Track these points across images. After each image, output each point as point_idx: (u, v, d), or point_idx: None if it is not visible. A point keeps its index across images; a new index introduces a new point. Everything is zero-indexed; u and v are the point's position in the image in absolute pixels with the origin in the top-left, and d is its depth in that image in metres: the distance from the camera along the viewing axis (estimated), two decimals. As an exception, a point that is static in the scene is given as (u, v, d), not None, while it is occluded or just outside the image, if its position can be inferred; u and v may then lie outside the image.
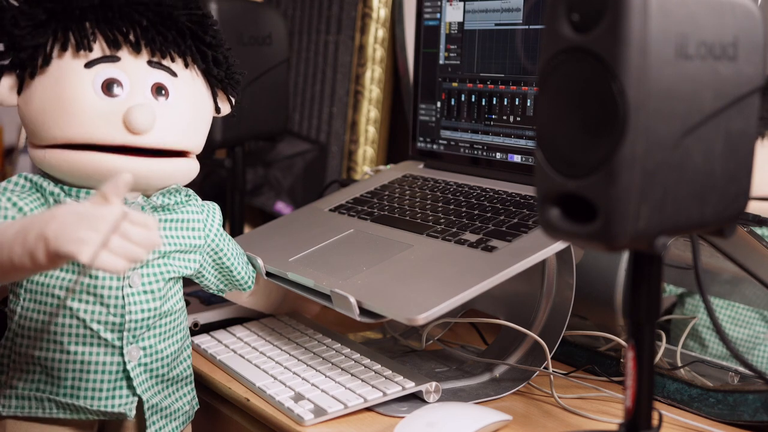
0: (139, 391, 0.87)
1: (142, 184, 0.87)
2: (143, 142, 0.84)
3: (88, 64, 0.84)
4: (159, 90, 0.86)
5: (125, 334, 0.86)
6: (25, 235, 0.70)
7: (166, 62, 0.87)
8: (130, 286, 0.86)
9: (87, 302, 0.85)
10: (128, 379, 0.87)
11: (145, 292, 0.87)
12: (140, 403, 0.88)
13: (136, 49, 0.85)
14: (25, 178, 0.87)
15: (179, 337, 0.92)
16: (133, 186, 0.86)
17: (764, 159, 0.90)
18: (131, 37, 0.85)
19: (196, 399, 0.97)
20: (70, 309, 0.85)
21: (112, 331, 0.86)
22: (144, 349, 0.88)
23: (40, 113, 0.85)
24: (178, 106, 0.88)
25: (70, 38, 0.84)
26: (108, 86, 0.84)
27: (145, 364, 0.88)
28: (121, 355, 0.86)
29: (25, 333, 0.86)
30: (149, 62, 0.87)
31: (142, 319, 0.87)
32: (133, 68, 0.86)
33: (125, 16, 0.85)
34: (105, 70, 0.84)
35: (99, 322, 0.85)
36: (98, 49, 0.85)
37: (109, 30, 0.85)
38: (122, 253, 0.68)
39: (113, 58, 0.85)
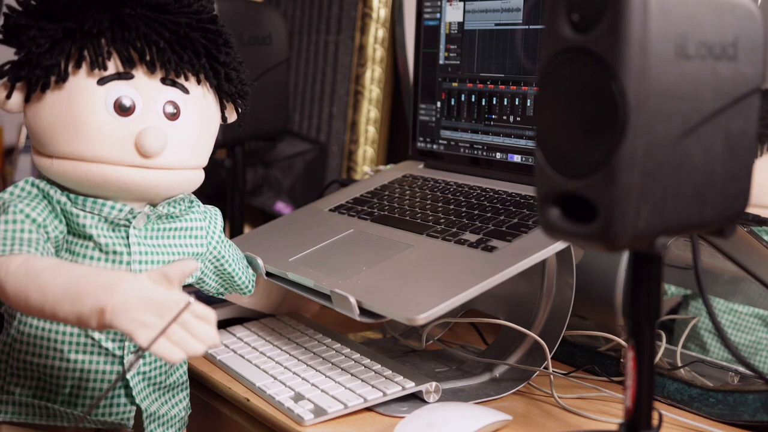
0: (137, 400, 0.87)
1: (151, 194, 0.87)
2: (153, 164, 0.84)
3: (101, 81, 0.83)
4: (171, 108, 0.86)
5: (126, 343, 0.86)
6: (78, 296, 0.70)
7: (180, 80, 0.87)
8: None
9: None
10: (127, 387, 0.87)
11: None
12: (138, 411, 0.88)
13: (151, 69, 0.84)
14: (32, 184, 0.85)
15: None
16: (141, 197, 0.86)
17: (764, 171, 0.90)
18: (147, 56, 0.84)
19: (189, 404, 0.96)
20: None
21: (114, 340, 0.86)
22: (144, 357, 0.87)
23: (49, 127, 0.84)
24: (188, 126, 0.87)
25: (85, 56, 0.83)
26: (120, 104, 0.83)
27: (144, 373, 0.88)
28: (121, 364, 0.86)
29: (25, 339, 0.85)
30: (163, 80, 0.86)
31: None
32: (147, 86, 0.85)
33: (142, 35, 0.83)
34: (117, 88, 0.83)
35: (101, 331, 0.85)
36: (112, 66, 0.84)
37: (124, 48, 0.83)
38: (182, 344, 0.69)
39: (127, 75, 0.84)
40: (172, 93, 0.86)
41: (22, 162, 1.88)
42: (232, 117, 0.96)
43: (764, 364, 1.03)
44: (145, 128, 0.83)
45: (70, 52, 0.82)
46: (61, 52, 0.82)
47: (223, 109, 0.93)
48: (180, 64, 0.85)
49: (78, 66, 0.83)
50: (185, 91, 0.87)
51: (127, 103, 0.83)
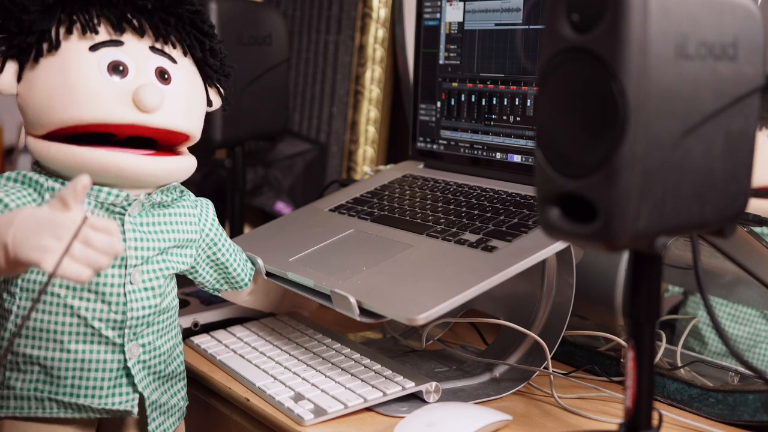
0: (140, 387, 0.88)
1: (148, 181, 0.87)
2: (152, 122, 0.86)
3: (93, 48, 0.85)
4: (162, 74, 0.88)
5: (126, 331, 0.86)
6: None
7: (168, 49, 0.89)
8: (131, 283, 0.86)
9: (88, 300, 0.85)
10: (129, 376, 0.87)
11: (146, 289, 0.87)
12: (141, 400, 0.88)
13: (140, 33, 0.87)
14: (19, 174, 0.87)
15: (174, 333, 0.93)
16: (137, 184, 0.87)
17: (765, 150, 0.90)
18: (135, 21, 0.87)
19: (186, 395, 0.97)
20: (71, 307, 0.85)
21: (114, 328, 0.86)
22: (143, 345, 0.88)
23: (45, 97, 0.85)
24: (181, 91, 0.89)
25: (76, 22, 0.85)
26: (114, 68, 0.85)
27: (144, 361, 0.88)
28: (122, 352, 0.86)
29: (24, 332, 0.85)
30: (151, 48, 0.88)
31: (143, 316, 0.87)
32: (137, 52, 0.87)
33: (129, 1, 0.87)
34: (109, 53, 0.86)
35: (100, 320, 0.85)
36: (103, 33, 0.86)
37: (114, 14, 0.86)
38: (85, 261, 0.68)
39: (117, 42, 0.86)
40: (161, 60, 0.89)
41: (22, 162, 1.89)
42: (216, 101, 0.97)
43: (763, 358, 1.03)
44: (142, 84, 0.85)
45: (61, 18, 0.85)
46: (51, 18, 0.84)
47: (206, 88, 0.95)
48: (167, 28, 0.88)
49: (69, 32, 0.85)
50: (173, 60, 0.90)
51: (120, 66, 0.85)
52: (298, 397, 0.90)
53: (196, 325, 1.12)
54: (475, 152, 1.14)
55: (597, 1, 0.59)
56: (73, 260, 0.68)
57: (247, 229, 1.44)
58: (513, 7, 1.08)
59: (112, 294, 0.85)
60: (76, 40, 0.85)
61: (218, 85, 0.96)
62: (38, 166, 0.89)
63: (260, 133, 1.39)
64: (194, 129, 0.91)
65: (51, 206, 0.70)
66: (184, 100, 0.89)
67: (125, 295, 0.86)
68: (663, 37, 0.59)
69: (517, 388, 0.96)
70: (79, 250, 0.68)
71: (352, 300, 0.89)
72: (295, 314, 1.15)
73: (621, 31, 0.58)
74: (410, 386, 0.91)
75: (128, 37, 0.87)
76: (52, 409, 0.86)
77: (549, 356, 0.95)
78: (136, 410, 0.88)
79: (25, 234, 0.68)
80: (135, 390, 0.88)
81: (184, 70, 0.90)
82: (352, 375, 0.94)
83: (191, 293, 1.19)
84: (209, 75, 0.94)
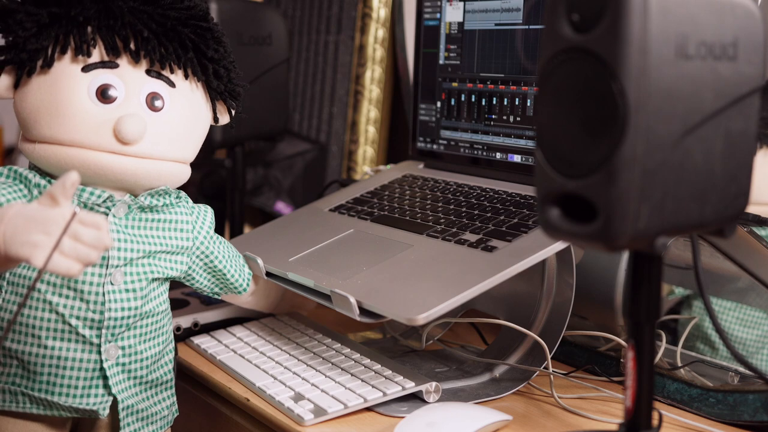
0: (114, 390, 0.87)
1: (129, 183, 0.87)
2: (131, 152, 0.85)
3: (86, 68, 0.85)
4: (154, 99, 0.87)
5: (104, 331, 0.86)
6: None
7: (165, 72, 0.88)
8: (112, 284, 0.86)
9: (67, 297, 0.85)
10: (105, 378, 0.87)
11: (126, 290, 0.87)
12: (116, 404, 0.88)
13: (135, 59, 0.86)
14: (9, 170, 0.87)
15: (161, 340, 0.92)
16: (119, 184, 0.87)
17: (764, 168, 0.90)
18: (131, 45, 0.85)
19: (176, 406, 0.96)
20: (50, 303, 0.85)
21: (91, 327, 0.86)
22: (123, 348, 0.87)
23: (33, 111, 0.85)
24: (172, 118, 0.88)
25: (71, 42, 0.84)
26: (103, 92, 0.84)
27: (123, 364, 0.88)
28: (99, 353, 0.86)
29: (5, 326, 0.86)
30: (148, 71, 0.87)
31: (122, 318, 0.86)
32: (131, 76, 0.86)
33: (128, 24, 0.85)
34: (101, 76, 0.85)
35: (78, 318, 0.85)
36: (97, 55, 0.85)
37: (110, 36, 0.85)
38: (74, 255, 0.69)
39: (111, 64, 0.85)
40: (157, 85, 0.87)
41: (21, 162, 1.89)
42: (224, 118, 0.96)
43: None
44: (124, 115, 0.84)
45: (57, 37, 0.84)
46: (47, 37, 0.84)
47: (213, 108, 0.93)
48: (165, 55, 0.87)
49: (63, 52, 0.84)
50: (171, 84, 0.88)
51: (109, 90, 0.85)
52: (298, 397, 0.90)
53: (196, 325, 1.12)
54: (475, 152, 1.14)
55: (597, 1, 0.59)
56: (62, 255, 0.68)
57: (247, 229, 1.44)
58: (513, 7, 1.08)
59: (91, 293, 0.85)
60: (70, 60, 0.85)
61: (226, 103, 0.95)
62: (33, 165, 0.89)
63: (260, 133, 1.39)
64: (181, 155, 0.90)
65: (40, 202, 0.71)
66: (173, 128, 0.88)
67: (104, 294, 0.85)
68: (663, 37, 0.59)
69: (517, 388, 0.96)
70: (68, 245, 0.69)
71: (352, 300, 0.89)
72: (294, 314, 1.15)
73: (621, 31, 0.58)
74: (410, 386, 0.91)
75: (124, 60, 0.86)
76: (24, 404, 0.86)
77: (549, 356, 0.95)
78: (106, 412, 0.87)
79: (14, 230, 0.68)
80: (109, 392, 0.87)
81: (182, 94, 0.89)
82: (352, 375, 0.94)
83: (191, 293, 1.19)
84: (214, 95, 0.93)
